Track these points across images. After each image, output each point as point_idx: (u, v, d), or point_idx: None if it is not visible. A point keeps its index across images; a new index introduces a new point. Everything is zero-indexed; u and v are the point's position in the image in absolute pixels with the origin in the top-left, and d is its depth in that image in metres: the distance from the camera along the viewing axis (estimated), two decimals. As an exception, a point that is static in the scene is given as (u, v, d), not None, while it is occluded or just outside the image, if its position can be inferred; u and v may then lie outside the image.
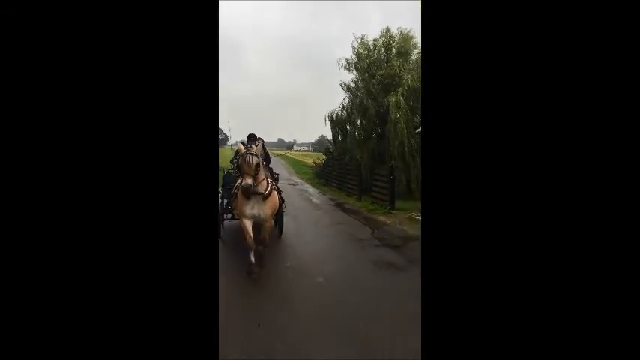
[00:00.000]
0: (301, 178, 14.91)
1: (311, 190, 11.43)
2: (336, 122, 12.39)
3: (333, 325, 2.44)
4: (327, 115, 12.48)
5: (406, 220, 6.14)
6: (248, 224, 3.49)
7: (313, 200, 9.05)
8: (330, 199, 9.19)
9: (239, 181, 3.66)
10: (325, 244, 4.81)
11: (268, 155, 4.82)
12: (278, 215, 4.49)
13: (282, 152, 40.48)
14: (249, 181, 3.21)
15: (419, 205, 5.92)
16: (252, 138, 4.45)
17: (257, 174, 3.32)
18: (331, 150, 13.26)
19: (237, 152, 3.67)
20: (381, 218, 6.48)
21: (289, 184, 12.12)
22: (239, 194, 3.56)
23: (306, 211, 7.20)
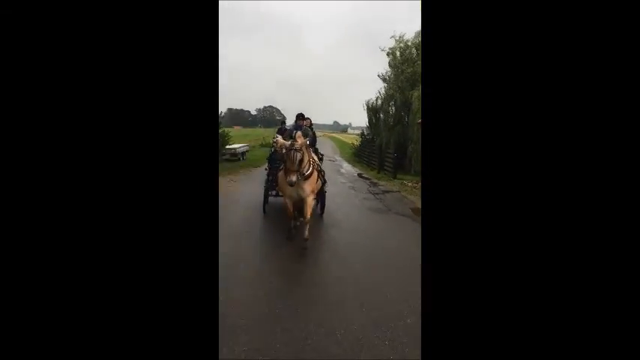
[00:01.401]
0: (341, 157, 17.71)
1: (345, 165, 14.19)
2: (371, 109, 14.92)
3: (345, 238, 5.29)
4: (364, 103, 15.03)
5: (397, 184, 8.71)
6: (289, 202, 3.87)
7: (341, 171, 11.86)
8: (355, 171, 11.93)
9: (282, 167, 3.87)
10: (339, 196, 7.37)
11: (314, 137, 5.15)
12: (320, 194, 4.83)
13: (333, 134, 43.36)
14: (293, 178, 3.38)
15: (417, 177, 8.46)
16: (300, 117, 4.73)
17: (300, 167, 3.51)
18: (365, 133, 15.83)
19: (277, 142, 3.88)
20: (381, 183, 9.13)
21: (329, 160, 14.96)
22: (281, 176, 3.84)
23: (332, 177, 10.08)
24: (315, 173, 3.89)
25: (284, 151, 3.54)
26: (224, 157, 11.27)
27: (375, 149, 13.26)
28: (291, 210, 3.95)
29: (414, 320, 2.44)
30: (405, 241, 4.34)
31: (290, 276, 3.15)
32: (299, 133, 3.69)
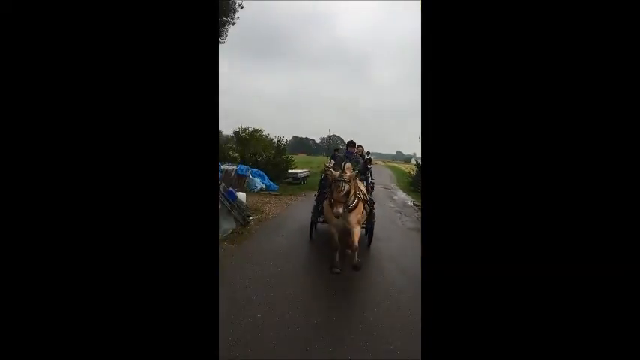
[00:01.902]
0: (397, 185, 18.04)
1: (399, 193, 14.57)
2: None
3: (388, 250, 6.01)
4: (420, 134, 15.53)
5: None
6: (334, 231, 3.88)
7: (394, 198, 12.34)
8: (406, 199, 12.31)
9: (329, 194, 3.82)
10: (384, 218, 8.06)
11: (366, 165, 5.22)
12: (369, 224, 4.90)
13: (393, 164, 43.51)
14: (340, 210, 3.43)
15: None
16: (351, 144, 4.79)
17: (347, 199, 3.56)
18: (420, 163, 16.14)
19: (326, 170, 3.97)
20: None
21: (384, 189, 15.51)
22: (327, 205, 3.89)
23: (383, 203, 10.67)
24: (361, 205, 3.90)
25: (332, 184, 3.63)
26: (286, 180, 12.65)
27: (429, 179, 13.54)
28: (337, 240, 3.90)
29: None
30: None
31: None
32: (348, 164, 3.81)
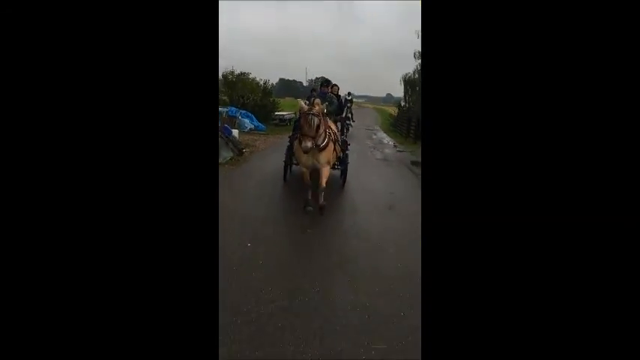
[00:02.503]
0: (380, 127, 19.14)
1: (379, 133, 15.72)
2: (407, 82, 16.10)
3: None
4: (401, 78, 16.24)
5: (413, 147, 10.32)
6: (306, 172, 3.92)
7: (373, 137, 13.52)
8: (383, 137, 13.55)
9: (298, 134, 3.78)
10: (358, 152, 9.22)
11: (341, 105, 5.30)
12: (342, 165, 4.96)
13: (381, 106, 43.88)
14: (308, 144, 3.36)
15: None
16: (325, 84, 4.78)
17: (317, 133, 3.45)
18: (401, 105, 17.07)
19: (301, 109, 3.71)
20: (401, 146, 10.79)
21: (368, 129, 16.60)
22: (297, 143, 3.82)
23: (361, 142, 11.85)
24: (331, 145, 3.88)
25: (300, 117, 3.56)
26: (274, 122, 13.56)
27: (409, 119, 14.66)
28: (308, 178, 3.90)
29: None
30: (391, 178, 6.30)
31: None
32: (317, 100, 3.73)
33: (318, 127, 3.48)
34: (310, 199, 3.83)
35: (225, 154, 6.06)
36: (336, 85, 5.44)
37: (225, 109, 11.00)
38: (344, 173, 5.08)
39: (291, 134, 5.13)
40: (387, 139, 12.96)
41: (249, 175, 5.59)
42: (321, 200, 3.86)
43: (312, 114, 3.43)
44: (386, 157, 8.62)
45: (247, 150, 7.41)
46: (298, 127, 3.89)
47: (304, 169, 3.93)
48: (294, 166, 5.14)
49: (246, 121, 11.40)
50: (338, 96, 5.48)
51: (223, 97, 13.00)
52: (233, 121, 10.70)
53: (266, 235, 3.34)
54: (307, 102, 3.86)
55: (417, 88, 15.84)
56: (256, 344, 1.91)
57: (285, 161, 5.04)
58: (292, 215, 3.89)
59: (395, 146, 10.86)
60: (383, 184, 5.73)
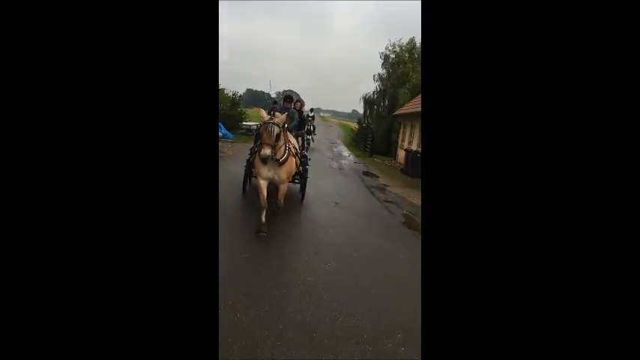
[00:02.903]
0: (342, 141, 20.53)
1: (341, 147, 16.99)
2: (367, 101, 17.65)
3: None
4: (361, 97, 17.77)
5: (368, 160, 11.59)
6: (263, 185, 3.69)
7: (334, 150, 14.71)
8: (343, 150, 14.80)
9: (258, 144, 3.69)
10: (317, 162, 10.36)
11: (302, 121, 5.43)
12: (302, 179, 4.96)
13: (346, 122, 46.03)
14: (267, 151, 3.30)
15: (388, 157, 11.42)
16: (288, 99, 4.77)
17: (276, 143, 3.42)
18: (361, 121, 18.59)
19: (261, 118, 3.62)
20: (357, 159, 12.05)
21: (330, 143, 17.82)
22: (257, 157, 3.69)
23: (323, 154, 12.95)
24: (292, 159, 3.81)
25: (260, 126, 3.49)
26: (241, 131, 14.28)
27: (365, 135, 16.10)
28: (264, 197, 3.67)
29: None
30: (341, 183, 7.37)
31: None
32: (278, 113, 3.73)
33: (278, 136, 3.43)
34: (264, 222, 3.63)
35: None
36: (299, 101, 5.70)
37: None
38: (303, 188, 5.09)
39: (252, 145, 5.10)
40: (346, 152, 14.22)
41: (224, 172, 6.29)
42: (278, 211, 4.05)
43: (273, 123, 3.40)
44: (341, 167, 9.76)
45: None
46: (258, 136, 3.87)
47: (261, 182, 3.70)
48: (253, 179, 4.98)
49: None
50: (300, 111, 5.69)
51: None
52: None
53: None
54: (268, 112, 3.91)
55: (375, 107, 17.42)
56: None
57: (245, 173, 4.98)
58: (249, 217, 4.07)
59: (351, 159, 12.09)
60: (334, 187, 6.78)
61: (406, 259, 3.71)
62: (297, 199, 5.24)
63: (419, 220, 5.22)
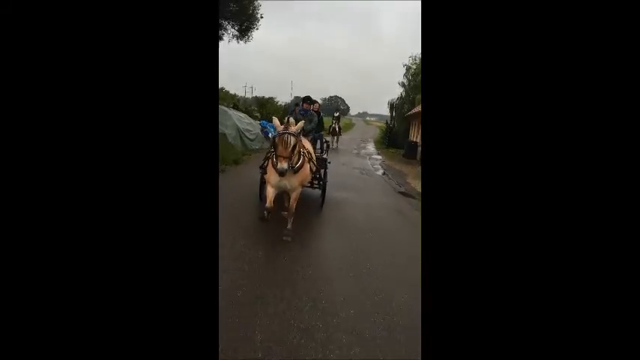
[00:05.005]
0: (373, 139, 24.13)
1: (369, 145, 20.65)
2: (392, 106, 21.30)
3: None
4: (388, 102, 21.46)
5: (385, 152, 15.29)
6: (271, 192, 3.54)
7: (361, 144, 18.52)
8: (369, 145, 18.56)
9: (272, 153, 3.58)
10: (347, 153, 14.06)
11: (321, 122, 5.30)
12: (321, 183, 4.84)
13: (377, 123, 49.52)
14: (284, 165, 3.17)
15: (402, 149, 15.15)
16: (307, 101, 4.68)
17: (292, 154, 3.25)
18: (388, 123, 22.23)
19: (276, 127, 3.48)
20: (376, 150, 15.84)
21: (362, 140, 21.50)
22: (270, 164, 3.58)
23: (352, 146, 16.74)
24: (307, 165, 3.70)
25: (275, 137, 3.39)
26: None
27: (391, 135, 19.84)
28: (271, 200, 3.50)
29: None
30: (354, 159, 11.39)
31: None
32: (292, 119, 3.57)
33: (294, 147, 3.28)
34: (266, 216, 3.64)
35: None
36: (317, 102, 5.62)
37: (259, 122, 16.33)
38: (323, 192, 4.96)
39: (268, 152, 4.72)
40: (370, 146, 17.96)
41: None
42: (289, 225, 3.72)
43: (289, 133, 3.26)
44: (359, 154, 13.75)
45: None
46: (273, 147, 3.59)
47: (270, 189, 3.57)
48: None
49: (272, 130, 16.61)
50: (319, 113, 5.64)
51: (256, 114, 18.33)
52: (263, 131, 16.04)
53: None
54: (289, 114, 4.05)
55: (397, 110, 20.99)
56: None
57: (260, 180, 4.75)
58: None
59: (372, 149, 15.90)
60: (350, 161, 10.76)
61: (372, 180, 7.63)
62: (316, 204, 5.05)
63: (390, 171, 9.78)
